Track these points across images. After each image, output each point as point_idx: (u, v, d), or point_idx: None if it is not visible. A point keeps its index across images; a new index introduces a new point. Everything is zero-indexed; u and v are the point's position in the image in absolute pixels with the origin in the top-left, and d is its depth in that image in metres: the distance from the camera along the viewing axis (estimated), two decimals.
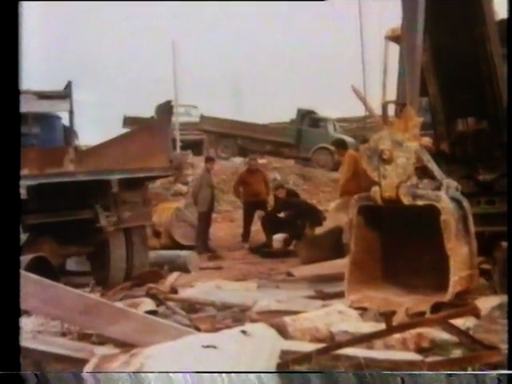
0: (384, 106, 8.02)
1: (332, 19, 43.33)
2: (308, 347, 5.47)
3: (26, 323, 6.25)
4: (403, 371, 4.81)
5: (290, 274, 10.45)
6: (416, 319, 6.30)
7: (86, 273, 10.97)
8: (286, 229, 14.63)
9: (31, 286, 5.56)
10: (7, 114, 4.89)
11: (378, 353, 5.33)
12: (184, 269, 11.64)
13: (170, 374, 4.40)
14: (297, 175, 25.00)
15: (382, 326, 5.76)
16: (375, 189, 7.29)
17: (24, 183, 8.38)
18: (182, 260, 12.10)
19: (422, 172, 7.42)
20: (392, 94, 8.44)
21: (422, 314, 6.63)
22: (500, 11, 9.11)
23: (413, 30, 7.84)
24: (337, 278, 8.50)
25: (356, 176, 11.48)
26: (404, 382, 4.44)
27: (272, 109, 41.13)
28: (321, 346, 5.44)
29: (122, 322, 5.73)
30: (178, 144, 27.78)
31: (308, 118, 29.83)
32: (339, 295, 7.78)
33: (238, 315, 7.45)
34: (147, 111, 28.41)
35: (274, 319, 6.29)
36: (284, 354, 5.19)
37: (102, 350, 5.53)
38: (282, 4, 44.70)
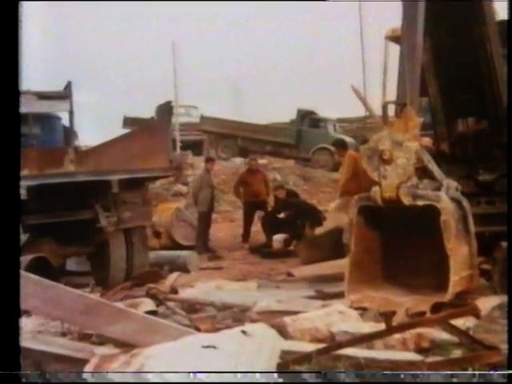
0: (384, 107, 8.01)
1: (332, 20, 43.39)
2: (308, 347, 5.48)
3: (26, 323, 6.25)
4: (403, 371, 4.82)
5: (290, 274, 10.45)
6: (416, 319, 6.30)
7: (86, 273, 10.97)
8: (286, 229, 14.63)
9: (31, 286, 5.56)
10: (7, 115, 4.89)
11: (378, 353, 5.33)
12: (184, 269, 11.64)
13: (170, 375, 4.40)
14: (297, 175, 25.01)
15: (382, 326, 5.76)
16: (375, 189, 7.29)
17: (24, 183, 8.38)
18: (182, 260, 12.10)
19: (422, 172, 7.42)
20: (392, 95, 8.43)
21: (422, 314, 6.64)
22: (500, 11, 9.12)
23: (413, 30, 7.84)
24: (337, 278, 8.50)
25: (356, 176, 11.47)
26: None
27: (272, 109, 41.21)
28: (321, 346, 5.44)
29: (122, 322, 5.72)
30: (178, 144, 27.79)
31: (308, 119, 29.83)
32: (339, 295, 7.78)
33: (238, 315, 7.45)
34: (147, 112, 28.47)
35: (274, 319, 6.29)
36: (284, 354, 5.19)
37: (102, 350, 5.52)
38: (282, 5, 44.74)
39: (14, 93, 5.00)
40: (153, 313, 7.18)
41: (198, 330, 6.50)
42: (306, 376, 4.74)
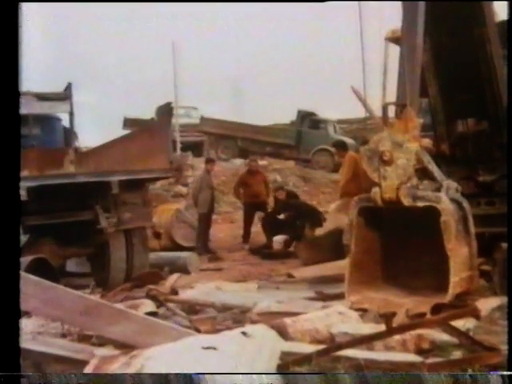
0: (384, 108, 8.01)
1: (332, 20, 43.36)
2: (308, 348, 5.47)
3: (26, 324, 6.25)
4: (403, 372, 4.82)
5: (290, 276, 10.44)
6: (416, 320, 6.30)
7: (86, 274, 10.97)
8: (286, 230, 14.63)
9: (31, 287, 5.56)
10: (7, 116, 4.89)
11: (378, 354, 5.33)
12: (184, 270, 11.63)
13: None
14: (297, 176, 25.01)
15: (382, 327, 5.76)
16: (375, 190, 7.29)
17: (24, 184, 8.38)
18: (182, 261, 12.10)
19: (422, 173, 7.42)
20: (392, 96, 8.42)
21: (422, 315, 6.63)
22: (500, 12, 9.12)
23: (413, 31, 7.85)
24: (337, 279, 8.50)
25: (356, 177, 11.47)
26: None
27: (272, 110, 41.17)
28: (321, 347, 5.44)
29: (122, 323, 5.72)
30: (178, 145, 27.77)
31: (308, 120, 29.81)
32: (339, 296, 7.78)
33: (238, 316, 7.45)
34: (147, 113, 28.44)
35: (275, 320, 6.29)
36: (284, 355, 5.20)
37: (102, 352, 5.52)
38: (282, 5, 44.77)
39: (14, 94, 5.01)
40: (153, 314, 7.18)
41: (198, 331, 6.50)
42: (306, 377, 4.74)
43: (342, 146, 14.34)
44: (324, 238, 11.74)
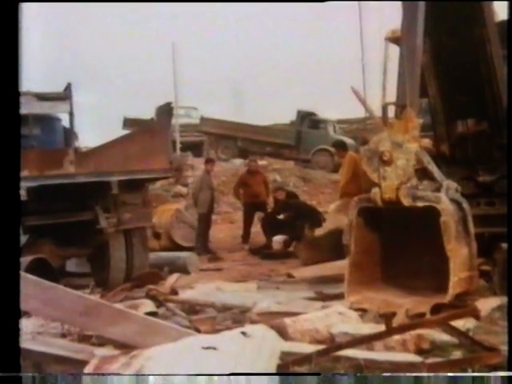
0: (384, 108, 8.01)
1: (332, 20, 43.38)
2: (308, 348, 5.47)
3: (26, 324, 6.24)
4: (403, 372, 4.82)
5: (290, 276, 10.44)
6: (416, 320, 6.30)
7: (85, 274, 10.96)
8: (285, 230, 14.63)
9: (31, 287, 5.56)
10: (7, 116, 4.89)
11: (378, 354, 5.33)
12: (184, 270, 11.63)
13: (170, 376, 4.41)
14: (297, 177, 25.00)
15: (382, 327, 5.77)
16: (375, 190, 7.30)
17: (24, 185, 8.38)
18: (182, 261, 12.09)
19: (422, 173, 7.42)
20: (392, 96, 8.42)
21: (422, 315, 6.64)
22: (500, 12, 9.12)
23: (413, 31, 7.85)
24: (337, 279, 8.50)
25: (356, 177, 11.47)
26: None
27: (272, 110, 41.16)
28: (321, 347, 5.44)
29: (122, 323, 5.73)
30: (178, 146, 27.77)
31: (308, 120, 29.79)
32: (339, 296, 7.78)
33: (238, 316, 7.45)
34: (147, 113, 28.43)
35: (274, 320, 6.29)
36: (284, 355, 5.19)
37: (102, 352, 5.52)
38: (282, 5, 44.77)
39: (14, 94, 5.01)
40: (153, 314, 7.18)
41: (198, 331, 6.51)
42: (305, 377, 4.75)
43: (341, 146, 14.32)
44: (324, 239, 11.74)
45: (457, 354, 5.45)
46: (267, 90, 46.64)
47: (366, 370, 4.90)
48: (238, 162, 27.07)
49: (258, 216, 16.12)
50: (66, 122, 11.77)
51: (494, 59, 9.04)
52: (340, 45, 43.65)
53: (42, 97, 10.65)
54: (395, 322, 6.06)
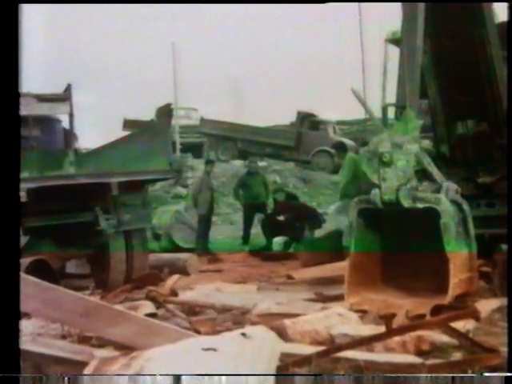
0: (384, 109, 8.03)
1: (332, 21, 43.37)
2: (308, 350, 5.47)
3: (26, 326, 6.24)
4: (403, 374, 4.82)
5: (289, 277, 10.44)
6: (416, 322, 6.30)
7: (85, 275, 10.95)
8: (285, 231, 14.63)
9: (31, 288, 5.55)
10: (7, 117, 4.89)
11: (378, 355, 5.32)
12: (184, 271, 11.62)
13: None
14: (297, 178, 25.03)
15: (382, 328, 5.77)
16: (375, 191, 7.30)
17: (24, 186, 8.38)
18: (182, 263, 12.09)
19: (422, 175, 7.42)
20: (392, 97, 8.43)
21: (422, 316, 6.63)
22: (500, 14, 9.13)
23: (413, 32, 7.86)
24: (337, 280, 8.50)
25: (356, 179, 11.48)
26: None
27: (272, 111, 41.23)
28: (321, 348, 5.44)
29: (122, 324, 5.72)
30: (178, 147, 27.78)
31: (308, 121, 29.79)
32: (339, 298, 7.77)
33: (237, 318, 7.44)
34: (147, 114, 28.38)
35: (274, 322, 6.28)
36: (284, 356, 5.19)
37: (101, 353, 5.51)
38: (282, 6, 44.73)
39: (13, 95, 5.01)
40: (153, 315, 7.18)
41: (198, 332, 6.50)
42: (305, 379, 4.75)
43: (341, 148, 14.40)
44: (324, 240, 11.76)
45: (457, 356, 5.44)
46: (267, 91, 46.67)
47: (366, 372, 4.90)
48: (238, 163, 27.09)
49: (258, 217, 16.12)
50: (65, 123, 11.77)
51: (494, 60, 9.04)
52: (340, 46, 43.66)
53: (42, 98, 10.65)
54: (395, 324, 6.05)
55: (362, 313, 6.99)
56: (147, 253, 10.88)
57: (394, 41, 10.02)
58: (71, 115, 10.92)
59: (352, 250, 7.60)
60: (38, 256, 8.86)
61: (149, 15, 52.35)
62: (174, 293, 8.87)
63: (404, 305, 7.09)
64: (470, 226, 7.32)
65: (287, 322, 6.18)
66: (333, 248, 10.52)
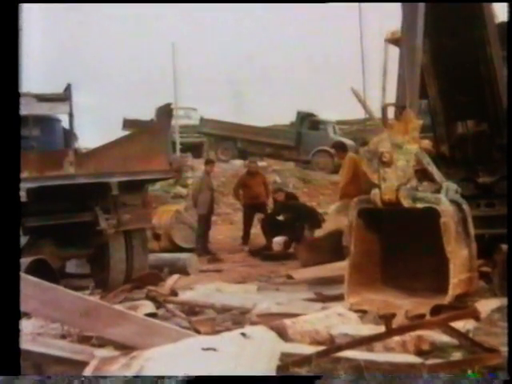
0: (384, 109, 8.01)
1: (332, 21, 43.38)
2: (308, 350, 5.47)
3: (26, 325, 6.24)
4: (403, 374, 4.82)
5: (289, 277, 10.44)
6: (416, 322, 6.30)
7: (85, 275, 10.97)
8: (285, 231, 14.63)
9: (31, 288, 5.56)
10: (7, 117, 4.89)
11: (378, 355, 5.32)
12: (184, 271, 11.63)
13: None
14: (297, 178, 25.02)
15: (382, 328, 5.77)
16: (375, 191, 7.29)
17: (24, 186, 8.38)
18: (182, 262, 12.10)
19: (422, 174, 7.42)
20: (392, 97, 8.43)
21: (422, 316, 6.63)
22: (500, 14, 9.13)
23: (413, 32, 7.86)
24: (336, 280, 8.50)
25: (356, 179, 11.48)
26: None
27: (272, 111, 41.21)
28: (321, 348, 5.43)
29: (122, 324, 5.72)
30: (178, 147, 27.80)
31: (308, 121, 29.80)
32: (339, 298, 7.77)
33: (237, 318, 7.45)
34: (147, 114, 28.42)
35: (274, 322, 6.28)
36: (284, 356, 5.19)
37: (101, 353, 5.52)
38: (282, 6, 44.78)
39: (13, 95, 5.01)
40: (152, 315, 7.19)
41: (198, 332, 6.50)
42: (305, 379, 4.74)
43: (341, 148, 14.33)
44: (324, 240, 11.75)
45: (457, 355, 5.45)
46: (267, 91, 46.67)
47: (366, 371, 4.90)
48: (238, 163, 27.08)
49: (257, 217, 16.13)
50: (65, 123, 11.79)
51: (494, 60, 9.04)
52: (340, 46, 43.70)
53: (42, 98, 10.67)
54: (395, 323, 6.05)
55: (362, 313, 7.00)
56: (147, 253, 10.89)
57: (394, 41, 10.01)
58: (71, 115, 10.94)
59: (352, 250, 7.60)
60: (38, 256, 8.87)
61: (149, 15, 52.38)
62: (173, 293, 8.87)
63: (404, 305, 7.10)
64: (470, 225, 7.32)
65: (287, 321, 6.18)
66: (333, 248, 10.51)
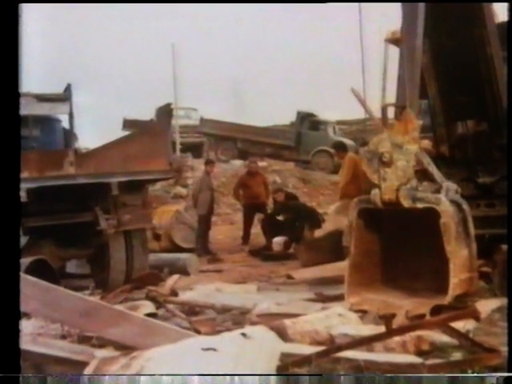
0: (384, 109, 8.00)
1: (332, 21, 43.35)
2: (308, 350, 5.47)
3: (26, 326, 6.24)
4: (403, 374, 4.82)
5: (290, 277, 10.45)
6: (416, 322, 6.30)
7: (85, 275, 10.97)
8: (285, 231, 14.62)
9: (31, 288, 5.56)
10: (7, 117, 4.89)
11: (378, 355, 5.32)
12: (184, 271, 11.62)
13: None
14: (297, 178, 25.01)
15: (382, 328, 5.77)
16: (375, 191, 7.29)
17: (24, 186, 8.38)
18: (182, 263, 12.09)
19: (422, 175, 7.42)
20: (392, 97, 8.43)
21: (422, 316, 6.63)
22: (500, 14, 9.12)
23: (413, 32, 7.86)
24: (337, 280, 8.50)
25: (356, 179, 11.48)
26: None
27: (272, 111, 41.24)
28: (321, 348, 5.43)
29: (122, 324, 5.73)
30: (178, 147, 27.80)
31: (308, 121, 29.80)
32: (339, 298, 7.77)
33: (237, 318, 7.45)
34: (147, 114, 28.43)
35: (274, 322, 6.28)
36: (284, 356, 5.19)
37: (102, 353, 5.52)
38: (282, 6, 44.75)
39: (14, 95, 5.01)
40: (153, 315, 7.19)
41: (198, 332, 6.50)
42: (305, 379, 4.75)
43: (341, 148, 14.33)
44: (324, 240, 11.76)
45: (457, 356, 5.44)
46: (267, 91, 46.63)
47: (366, 371, 4.90)
48: (238, 163, 27.08)
49: (258, 217, 16.12)
50: (65, 123, 11.79)
51: (494, 60, 9.04)
52: (340, 46, 43.59)
53: (42, 98, 10.67)
54: (395, 324, 6.05)
55: (362, 313, 6.99)
56: (147, 253, 10.89)
57: (394, 41, 9.99)
58: (71, 115, 10.95)
59: (352, 250, 7.60)
60: (38, 256, 8.87)
61: (149, 15, 52.37)
62: (174, 293, 8.87)
63: (404, 305, 7.09)
64: (470, 226, 7.31)
65: (287, 322, 6.18)
66: (333, 248, 10.51)
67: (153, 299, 8.08)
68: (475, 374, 4.80)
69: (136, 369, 4.57)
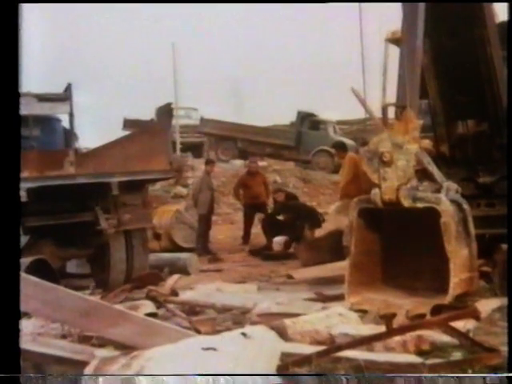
0: (384, 109, 8.00)
1: (332, 21, 43.38)
2: (308, 349, 5.47)
3: (26, 325, 6.24)
4: (403, 373, 4.82)
5: (290, 277, 10.45)
6: (416, 321, 6.30)
7: (86, 275, 10.97)
8: (286, 231, 14.62)
9: (31, 288, 5.56)
10: (7, 117, 4.89)
11: (378, 355, 5.32)
12: (184, 271, 11.62)
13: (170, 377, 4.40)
14: (297, 178, 25.01)
15: (382, 328, 5.77)
16: (375, 191, 7.29)
17: (24, 186, 8.38)
18: (182, 262, 12.10)
19: (422, 174, 7.41)
20: (392, 97, 8.43)
21: (422, 316, 6.63)
22: (500, 13, 9.13)
23: (413, 32, 7.86)
24: (337, 280, 8.50)
25: (356, 178, 11.46)
26: None
27: (272, 111, 41.28)
28: (321, 348, 5.44)
29: (123, 324, 5.72)
30: (178, 146, 27.81)
31: (308, 121, 29.81)
32: (339, 297, 7.77)
33: (238, 317, 7.45)
34: (147, 113, 28.45)
35: (275, 321, 6.28)
36: (284, 356, 5.19)
37: (102, 353, 5.52)
38: (282, 6, 44.79)
39: (14, 95, 5.01)
40: (153, 315, 7.18)
41: (198, 332, 6.50)
42: (305, 378, 4.75)
43: (341, 147, 14.31)
44: (324, 240, 11.76)
45: (457, 355, 5.45)
46: (267, 91, 46.69)
47: (366, 371, 4.90)
48: (238, 163, 27.09)
49: (258, 217, 16.13)
50: (66, 123, 11.78)
51: (494, 60, 9.04)
52: (340, 45, 43.70)
53: (43, 97, 10.65)
54: (395, 323, 6.06)
55: (363, 312, 7.00)
56: (147, 252, 10.89)
57: (394, 40, 9.99)
58: (71, 115, 10.93)
59: (352, 250, 7.59)
60: (39, 256, 8.87)
61: (149, 15, 52.38)
62: (174, 292, 8.87)
63: (404, 304, 7.09)
64: (471, 225, 7.31)
65: (287, 321, 6.19)
66: (333, 248, 10.51)
67: (153, 299, 8.08)
68: (475, 374, 4.80)
69: (136, 369, 4.57)
